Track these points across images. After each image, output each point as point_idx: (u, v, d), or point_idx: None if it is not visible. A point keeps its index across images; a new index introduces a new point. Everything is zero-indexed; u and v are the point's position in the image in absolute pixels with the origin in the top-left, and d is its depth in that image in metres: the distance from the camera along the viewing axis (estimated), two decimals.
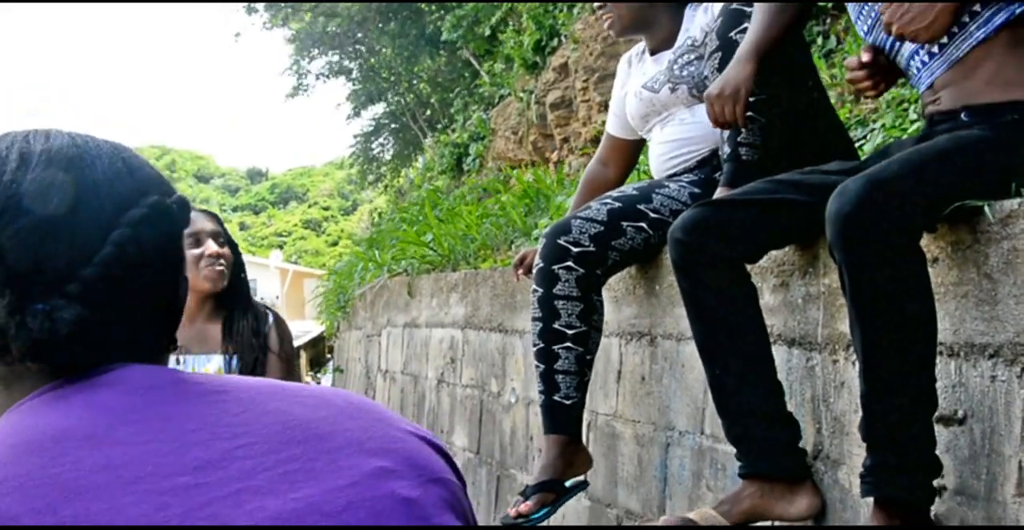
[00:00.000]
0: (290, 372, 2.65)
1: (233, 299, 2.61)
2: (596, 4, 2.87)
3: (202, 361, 2.51)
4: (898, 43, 1.96)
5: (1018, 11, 1.79)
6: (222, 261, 2.57)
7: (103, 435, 0.67)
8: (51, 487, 0.64)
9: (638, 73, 2.90)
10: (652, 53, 2.86)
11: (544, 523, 2.55)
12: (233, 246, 2.64)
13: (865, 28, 2.06)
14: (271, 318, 2.66)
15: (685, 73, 2.71)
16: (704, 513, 2.08)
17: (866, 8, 2.04)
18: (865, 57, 2.03)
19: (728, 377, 2.08)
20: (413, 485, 0.68)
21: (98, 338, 0.73)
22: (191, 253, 2.51)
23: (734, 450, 2.14)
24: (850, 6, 2.11)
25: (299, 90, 18.58)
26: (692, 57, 2.72)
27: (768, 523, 2.14)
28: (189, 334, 2.52)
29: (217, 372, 2.46)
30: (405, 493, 0.67)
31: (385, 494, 0.66)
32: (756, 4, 2.27)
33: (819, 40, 4.20)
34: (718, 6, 2.65)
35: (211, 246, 2.55)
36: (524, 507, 2.51)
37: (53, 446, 0.66)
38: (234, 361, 2.51)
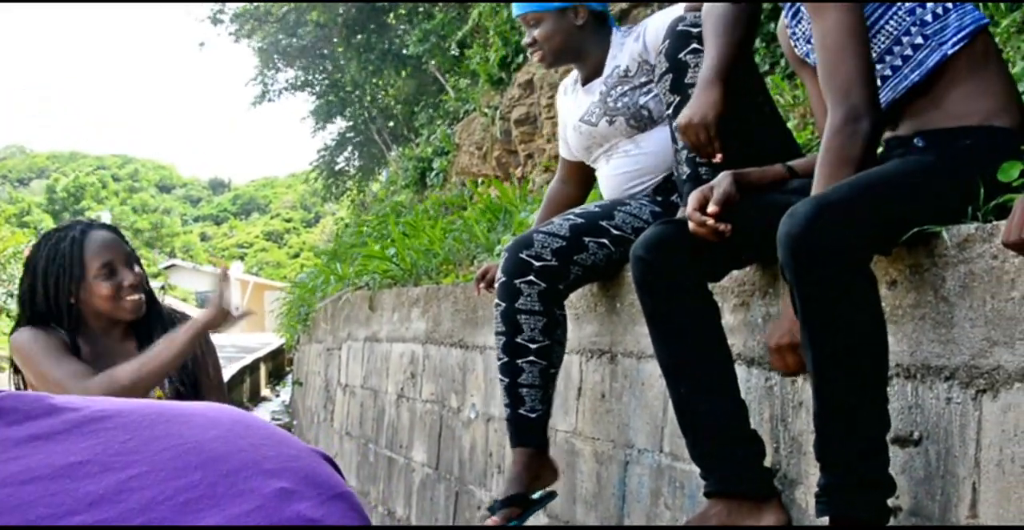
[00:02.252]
0: (220, 386, 2.52)
1: (150, 319, 2.42)
2: (526, 41, 2.83)
3: None
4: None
5: (951, 51, 1.83)
6: (140, 286, 2.38)
7: None
8: None
9: (573, 105, 2.89)
10: (584, 83, 2.84)
11: None
12: (138, 261, 2.44)
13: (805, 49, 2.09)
14: None
15: (620, 105, 2.70)
16: None
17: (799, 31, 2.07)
18: (711, 209, 1.98)
19: (692, 396, 2.07)
20: (315, 504, 0.66)
21: None
22: (106, 285, 2.33)
23: (693, 469, 2.13)
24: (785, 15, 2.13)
25: (264, 98, 18.58)
26: (626, 88, 2.70)
27: None
28: (107, 364, 2.33)
29: (158, 396, 2.33)
30: (309, 514, 0.65)
31: (291, 516, 0.64)
32: (705, 27, 2.26)
33: (782, 62, 4.24)
34: (651, 32, 2.66)
35: (128, 276, 2.36)
36: (491, 522, 2.51)
37: None
38: (166, 385, 2.37)
